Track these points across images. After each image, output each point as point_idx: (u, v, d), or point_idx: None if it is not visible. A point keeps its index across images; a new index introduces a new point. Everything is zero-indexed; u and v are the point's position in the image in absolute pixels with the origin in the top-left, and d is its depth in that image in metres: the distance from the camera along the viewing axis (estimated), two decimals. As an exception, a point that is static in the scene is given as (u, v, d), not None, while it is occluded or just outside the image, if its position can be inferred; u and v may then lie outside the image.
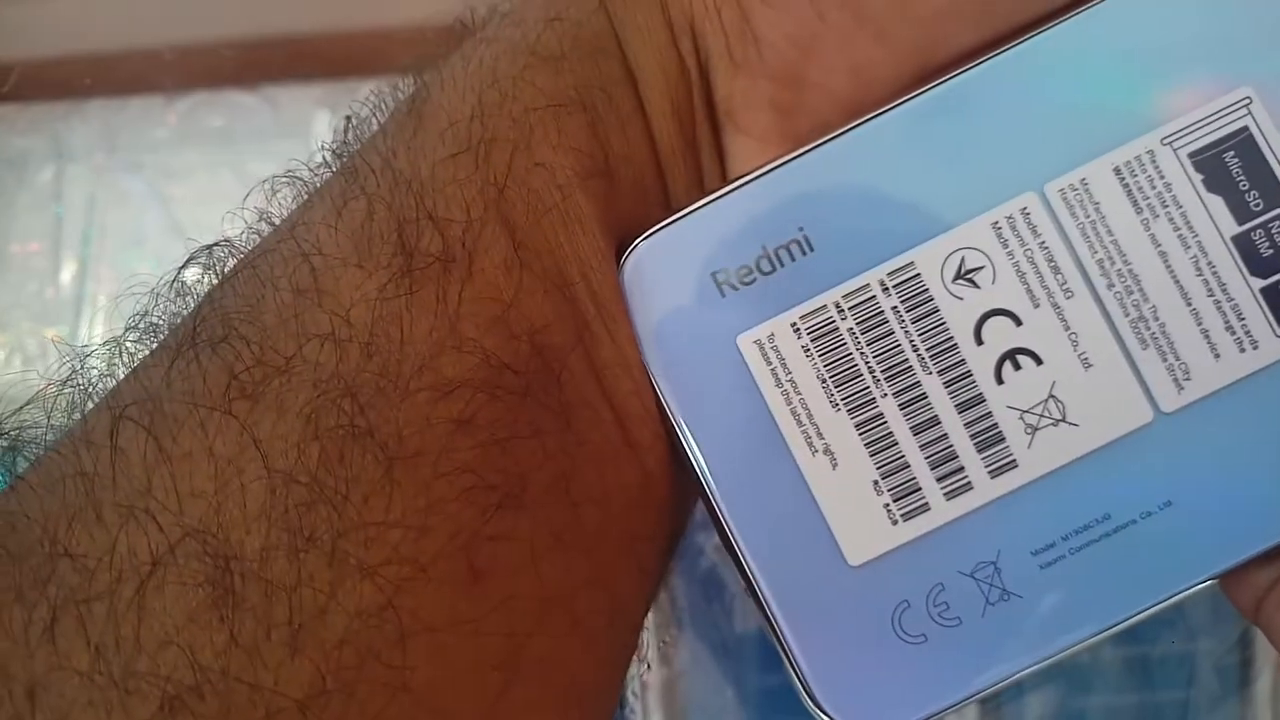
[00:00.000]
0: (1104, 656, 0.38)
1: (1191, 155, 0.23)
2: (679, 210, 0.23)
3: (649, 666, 0.38)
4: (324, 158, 0.23)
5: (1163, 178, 0.23)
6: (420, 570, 0.19)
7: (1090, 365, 0.23)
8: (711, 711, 0.38)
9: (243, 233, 0.22)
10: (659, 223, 0.23)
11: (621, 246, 0.23)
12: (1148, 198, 0.23)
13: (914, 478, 0.23)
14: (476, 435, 0.20)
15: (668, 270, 0.23)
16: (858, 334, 0.23)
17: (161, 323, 0.21)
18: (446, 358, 0.20)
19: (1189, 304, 0.22)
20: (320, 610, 0.19)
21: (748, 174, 0.23)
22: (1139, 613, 0.23)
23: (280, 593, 0.18)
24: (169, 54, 0.45)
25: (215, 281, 0.22)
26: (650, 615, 0.38)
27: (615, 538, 0.22)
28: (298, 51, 0.45)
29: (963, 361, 0.23)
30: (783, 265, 0.23)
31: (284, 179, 0.22)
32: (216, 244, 0.22)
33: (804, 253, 0.23)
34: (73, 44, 0.46)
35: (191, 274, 0.22)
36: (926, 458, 0.23)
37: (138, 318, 0.22)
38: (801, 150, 0.23)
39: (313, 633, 0.18)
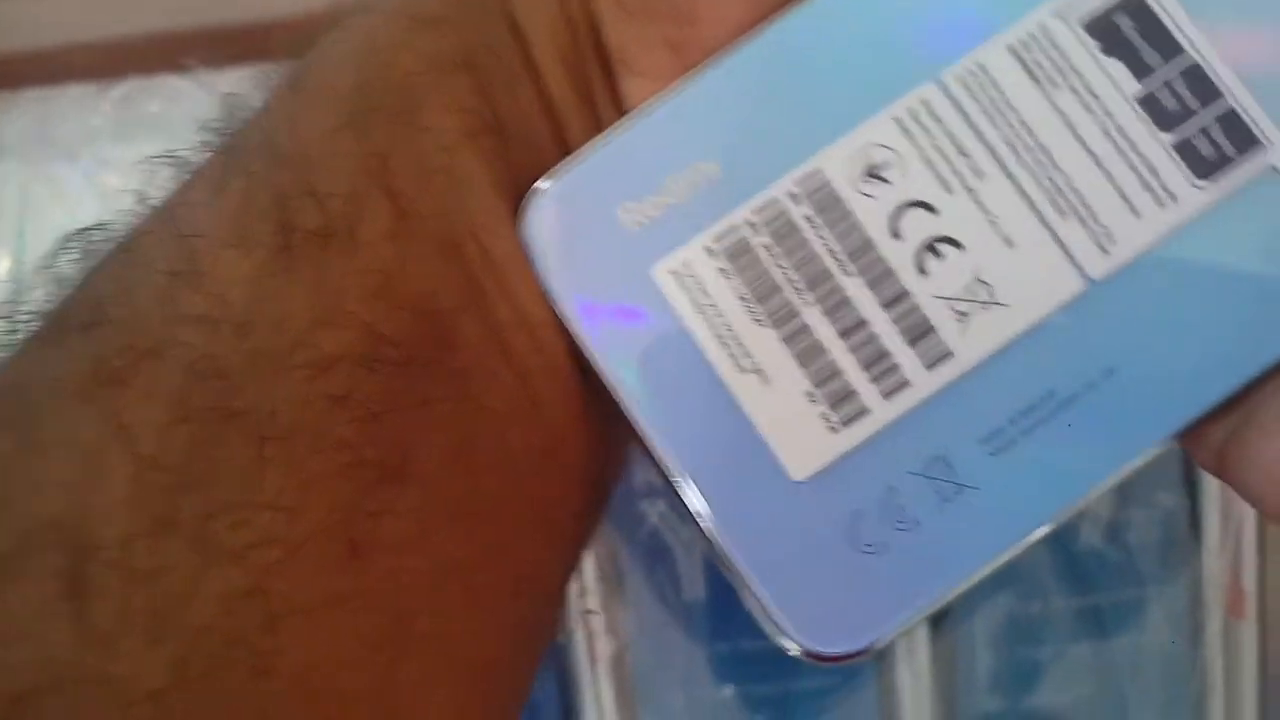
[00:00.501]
0: (1055, 606, 0.38)
1: (1083, 23, 0.22)
2: (574, 154, 0.23)
3: (571, 635, 0.37)
4: (205, 137, 0.22)
5: (1058, 49, 0.22)
6: (292, 551, 0.19)
7: (1012, 244, 0.22)
8: (662, 681, 0.37)
9: (120, 216, 0.21)
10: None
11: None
12: (1046, 71, 0.22)
13: (848, 382, 0.22)
14: (353, 410, 0.19)
15: (571, 214, 0.22)
16: (772, 247, 0.22)
17: (35, 312, 0.21)
18: (325, 333, 0.20)
19: (1102, 168, 0.22)
20: (183, 597, 0.18)
21: (641, 107, 0.23)
22: (1097, 486, 0.22)
23: (140, 580, 0.18)
24: (103, 43, 0.45)
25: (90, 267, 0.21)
26: (597, 586, 0.38)
27: (519, 503, 0.21)
28: (232, 36, 0.45)
29: (881, 259, 0.22)
30: (688, 191, 0.22)
31: (165, 160, 0.22)
32: (91, 229, 0.21)
33: (708, 175, 0.22)
34: (4, 38, 0.45)
35: (68, 261, 0.21)
36: (858, 360, 0.22)
37: (7, 307, 0.21)
38: (691, 75, 0.23)
39: (174, 620, 0.18)
